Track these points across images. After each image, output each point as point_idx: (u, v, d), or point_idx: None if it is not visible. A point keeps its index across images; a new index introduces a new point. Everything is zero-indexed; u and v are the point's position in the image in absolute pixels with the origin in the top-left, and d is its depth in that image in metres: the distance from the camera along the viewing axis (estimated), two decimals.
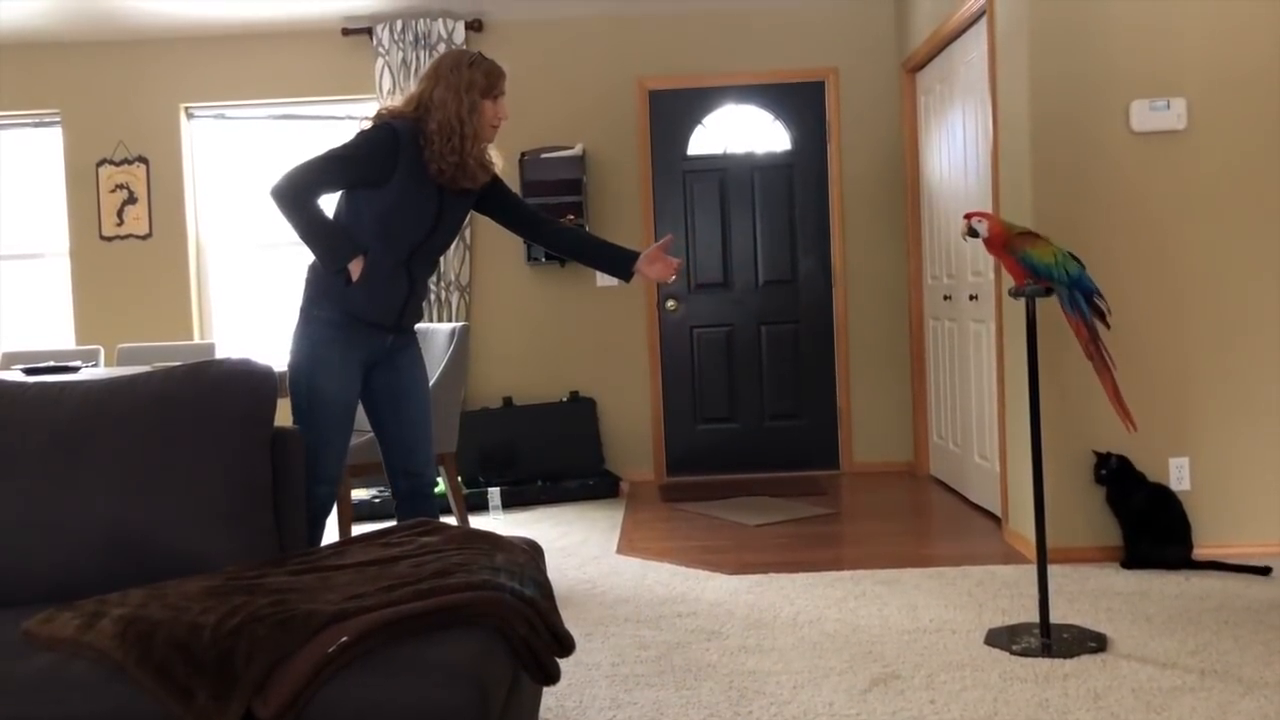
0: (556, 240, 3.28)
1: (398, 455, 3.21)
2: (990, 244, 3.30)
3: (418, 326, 4.90)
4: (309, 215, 2.91)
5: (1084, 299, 3.27)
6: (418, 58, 6.06)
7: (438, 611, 1.87)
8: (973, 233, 3.30)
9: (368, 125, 3.01)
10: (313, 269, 3.06)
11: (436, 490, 5.17)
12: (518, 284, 6.28)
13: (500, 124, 3.08)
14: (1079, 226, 4.10)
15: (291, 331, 3.10)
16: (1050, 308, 4.06)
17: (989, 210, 4.60)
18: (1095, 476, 4.05)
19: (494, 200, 3.23)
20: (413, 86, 3.08)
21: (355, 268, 2.96)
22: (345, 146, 2.96)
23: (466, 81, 2.98)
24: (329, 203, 3.02)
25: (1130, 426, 3.41)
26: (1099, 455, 4.04)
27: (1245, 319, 4.10)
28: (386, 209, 2.97)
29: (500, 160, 3.16)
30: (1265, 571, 3.80)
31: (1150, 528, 3.95)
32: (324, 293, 3.01)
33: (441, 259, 6.07)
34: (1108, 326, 3.38)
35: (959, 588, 3.81)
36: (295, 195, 2.88)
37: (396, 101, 3.08)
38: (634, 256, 3.23)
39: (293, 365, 3.06)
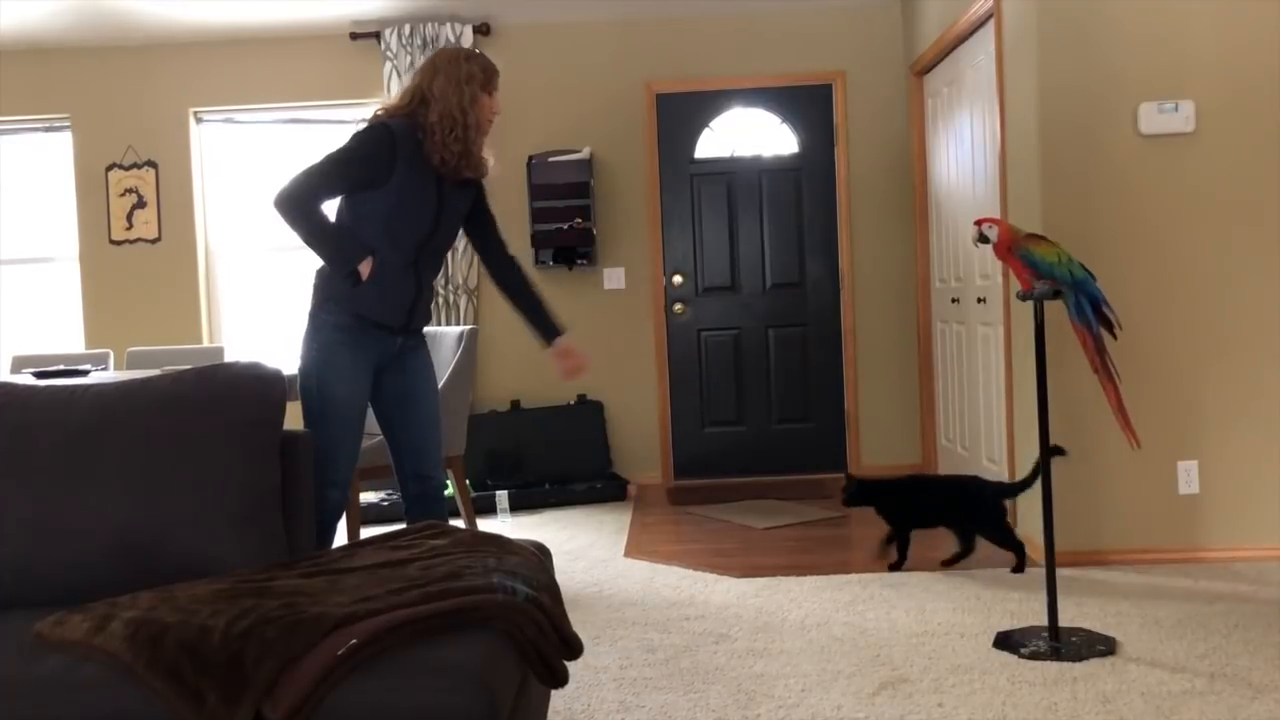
0: (503, 274, 3.30)
1: (407, 458, 3.21)
2: (998, 248, 3.29)
3: (425, 330, 4.91)
4: (314, 222, 2.92)
5: (1090, 306, 3.26)
6: None
7: (446, 614, 1.88)
8: (983, 239, 3.30)
9: (363, 126, 3.01)
10: (320, 273, 3.07)
11: (445, 493, 5.18)
12: None
13: (494, 119, 3.11)
14: (1087, 228, 4.09)
15: (301, 336, 3.10)
16: (1058, 311, 4.05)
17: (998, 214, 4.59)
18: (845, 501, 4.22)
19: (477, 203, 3.26)
20: (406, 81, 3.08)
21: (364, 269, 2.96)
22: (342, 149, 2.96)
23: (466, 74, 3.00)
24: (330, 209, 3.02)
25: (1134, 442, 3.41)
26: (847, 477, 4.22)
27: (1255, 321, 4.09)
28: (389, 208, 2.97)
29: (493, 160, 3.18)
30: (1060, 451, 3.92)
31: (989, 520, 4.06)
32: (332, 296, 3.02)
33: (449, 262, 6.08)
34: (1114, 337, 3.36)
35: (967, 591, 3.80)
36: (299, 203, 2.89)
37: (392, 98, 3.07)
38: (557, 335, 3.29)
39: (303, 370, 3.06)
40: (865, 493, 4.19)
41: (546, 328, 3.31)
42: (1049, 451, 4.00)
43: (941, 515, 4.14)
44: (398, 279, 3.04)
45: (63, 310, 6.46)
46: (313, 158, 2.96)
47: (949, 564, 4.12)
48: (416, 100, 3.01)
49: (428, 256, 3.11)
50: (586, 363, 3.32)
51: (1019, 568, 4.02)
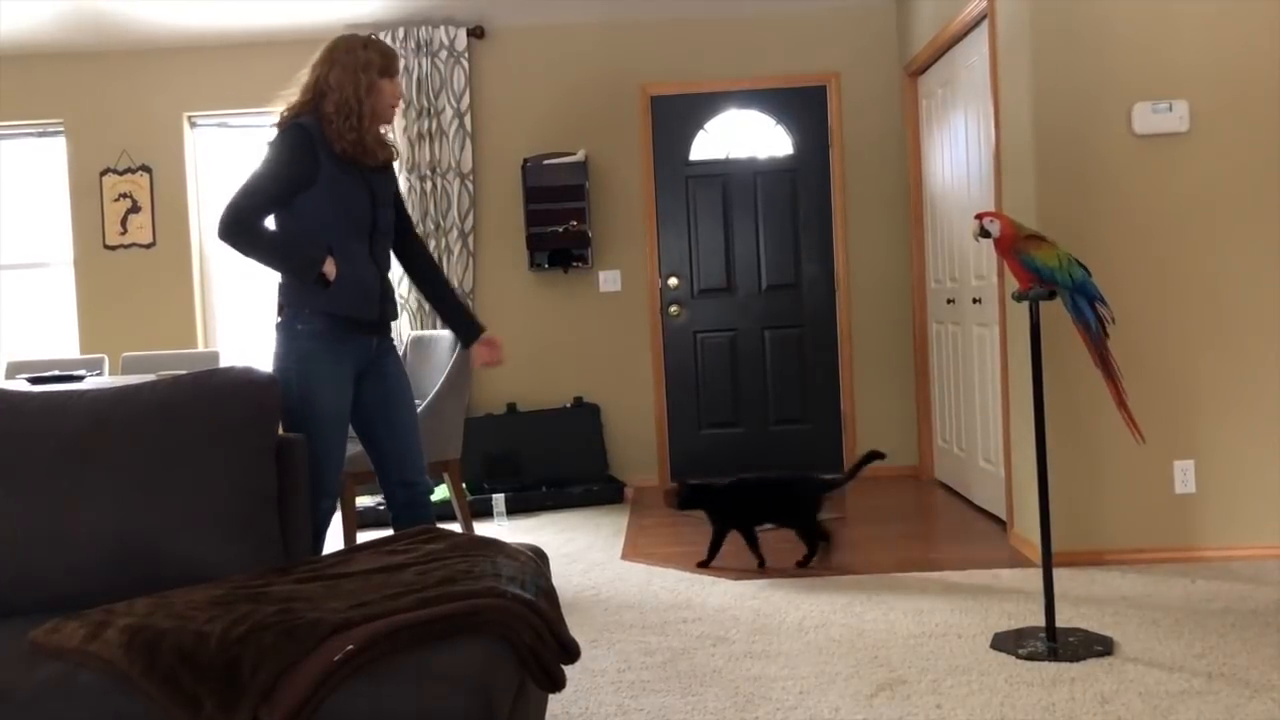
0: (417, 268, 3.30)
1: (392, 465, 3.18)
2: (1000, 244, 3.26)
3: (421, 334, 4.91)
4: (264, 240, 2.93)
5: (1088, 305, 3.25)
6: (420, 65, 6.07)
7: (443, 619, 1.87)
8: (984, 233, 3.26)
9: (275, 133, 3.00)
10: (285, 285, 3.05)
11: (439, 497, 5.18)
12: (521, 290, 6.28)
13: (397, 104, 3.11)
14: (1082, 229, 4.10)
15: (273, 350, 3.06)
16: (1053, 311, 4.06)
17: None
18: (678, 506, 4.35)
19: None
20: (304, 74, 3.07)
21: (329, 269, 2.95)
22: (266, 162, 2.96)
23: (363, 61, 3.01)
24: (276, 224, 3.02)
25: (1138, 437, 3.40)
26: (678, 484, 4.35)
27: (1250, 320, 4.09)
28: (329, 202, 2.96)
29: (395, 144, 3.21)
30: (879, 455, 4.30)
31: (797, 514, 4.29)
32: (305, 303, 2.99)
33: (445, 266, 6.07)
34: (1106, 335, 3.35)
35: (964, 592, 3.80)
36: (242, 227, 2.90)
37: (293, 95, 3.06)
38: (480, 332, 3.29)
39: (281, 382, 3.02)
40: (694, 497, 4.33)
41: (466, 332, 3.31)
42: (868, 456, 4.28)
43: (766, 513, 4.32)
44: (363, 269, 3.04)
45: (57, 315, 6.45)
46: (239, 179, 2.96)
47: (803, 564, 4.27)
48: (316, 94, 3.01)
49: (379, 241, 3.11)
50: (503, 356, 3.32)
51: (805, 562, 4.25)
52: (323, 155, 2.96)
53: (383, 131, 3.12)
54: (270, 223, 3.00)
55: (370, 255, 3.07)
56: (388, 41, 6.08)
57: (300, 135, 2.95)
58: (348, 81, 2.98)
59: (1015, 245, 3.23)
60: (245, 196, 2.91)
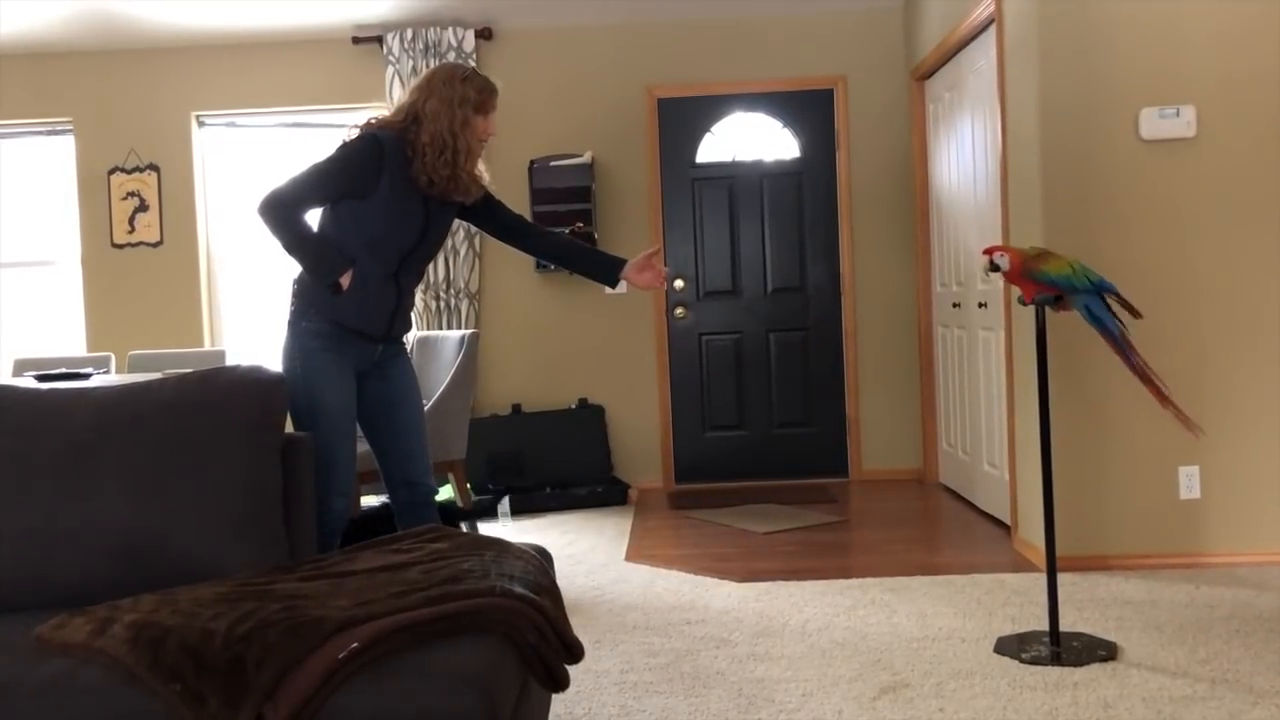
0: (544, 247, 3.29)
1: (394, 466, 3.18)
2: (1010, 276, 3.24)
3: (427, 334, 4.92)
4: (296, 231, 2.91)
5: (1106, 310, 3.21)
6: (428, 66, 6.08)
7: (447, 618, 1.88)
8: (995, 267, 3.25)
9: (353, 136, 2.99)
10: (299, 281, 3.05)
11: (444, 497, 5.18)
12: (527, 291, 6.29)
13: (488, 139, 3.09)
14: (1089, 234, 4.10)
15: (281, 346, 3.06)
16: (1058, 315, 4.05)
17: (999, 219, 4.60)
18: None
19: (482, 210, 3.23)
20: (403, 96, 3.07)
21: (345, 280, 2.95)
22: (329, 160, 2.94)
23: (460, 96, 2.98)
24: (313, 216, 3.01)
25: (1195, 432, 3.33)
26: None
27: (1256, 325, 4.09)
28: (374, 220, 2.95)
29: (487, 173, 3.16)
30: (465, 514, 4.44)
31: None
32: (313, 303, 3.00)
33: (450, 266, 6.09)
34: (1137, 316, 3.29)
35: (968, 596, 3.80)
36: (282, 211, 2.88)
37: (389, 111, 3.06)
38: (621, 263, 3.25)
39: (288, 380, 3.02)
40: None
41: (608, 269, 3.26)
42: (499, 492, 4.41)
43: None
44: (378, 289, 3.02)
45: (64, 313, 6.47)
46: (301, 165, 2.94)
47: None
48: (409, 118, 2.99)
49: (410, 267, 3.08)
50: (663, 271, 3.26)
51: None
52: (387, 174, 2.93)
53: (479, 170, 3.09)
54: (314, 213, 3.00)
55: (393, 277, 3.04)
56: (395, 43, 6.09)
57: (371, 147, 2.93)
58: (443, 113, 2.95)
59: (1025, 268, 3.21)
60: (293, 186, 2.89)
